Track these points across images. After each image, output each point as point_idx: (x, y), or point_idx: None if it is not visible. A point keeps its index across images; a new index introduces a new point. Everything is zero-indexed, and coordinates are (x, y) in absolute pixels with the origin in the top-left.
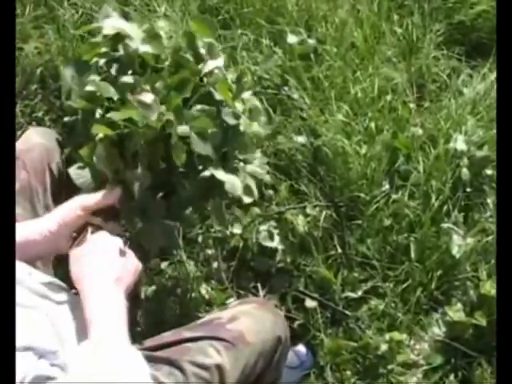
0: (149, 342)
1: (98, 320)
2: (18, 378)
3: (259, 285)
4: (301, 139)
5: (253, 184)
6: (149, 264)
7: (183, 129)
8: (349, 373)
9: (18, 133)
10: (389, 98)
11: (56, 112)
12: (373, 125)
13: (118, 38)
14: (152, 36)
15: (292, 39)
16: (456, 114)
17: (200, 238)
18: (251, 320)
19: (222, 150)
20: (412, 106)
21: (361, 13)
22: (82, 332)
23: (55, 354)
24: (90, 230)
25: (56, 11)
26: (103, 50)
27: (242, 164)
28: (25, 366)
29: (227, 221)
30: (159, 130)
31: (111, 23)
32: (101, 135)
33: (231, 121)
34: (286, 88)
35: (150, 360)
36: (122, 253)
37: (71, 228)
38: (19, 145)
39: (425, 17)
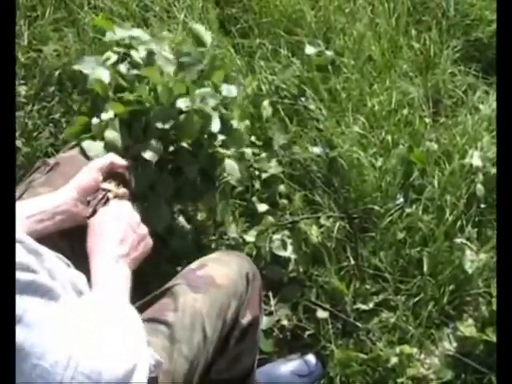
0: None
1: (101, 283)
2: None
3: (271, 293)
4: (316, 150)
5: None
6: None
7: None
8: None
9: (34, 134)
10: (405, 112)
11: (73, 115)
12: (389, 138)
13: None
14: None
15: (310, 50)
16: (472, 130)
17: (213, 245)
18: (218, 264)
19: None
20: (428, 120)
21: (379, 27)
22: None
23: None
24: (108, 194)
25: (76, 14)
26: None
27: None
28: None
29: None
30: (169, 107)
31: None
32: (111, 115)
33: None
34: (302, 98)
35: None
36: (137, 226)
37: (88, 193)
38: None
39: (442, 33)
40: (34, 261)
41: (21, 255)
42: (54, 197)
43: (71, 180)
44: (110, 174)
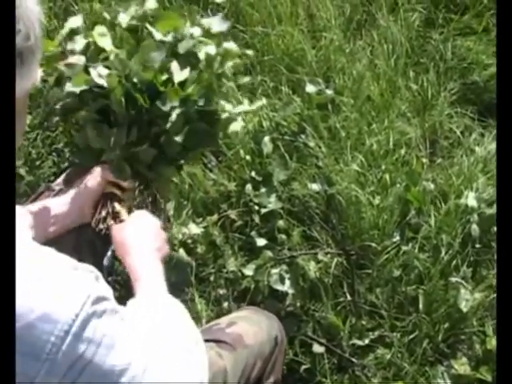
0: None
1: (143, 277)
2: (81, 298)
3: None
4: (315, 186)
5: None
6: None
7: None
8: None
9: (38, 162)
10: (403, 151)
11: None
12: (386, 177)
13: None
14: None
15: (310, 88)
16: (467, 171)
17: (212, 278)
18: (248, 323)
19: None
20: (425, 160)
21: (378, 67)
22: None
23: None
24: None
25: None
26: None
27: None
28: (87, 285)
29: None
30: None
31: None
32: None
33: None
34: (302, 136)
35: None
36: (159, 229)
37: (93, 194)
38: None
39: (440, 75)
40: (104, 285)
41: (92, 285)
42: (64, 202)
43: (79, 186)
44: (110, 182)
